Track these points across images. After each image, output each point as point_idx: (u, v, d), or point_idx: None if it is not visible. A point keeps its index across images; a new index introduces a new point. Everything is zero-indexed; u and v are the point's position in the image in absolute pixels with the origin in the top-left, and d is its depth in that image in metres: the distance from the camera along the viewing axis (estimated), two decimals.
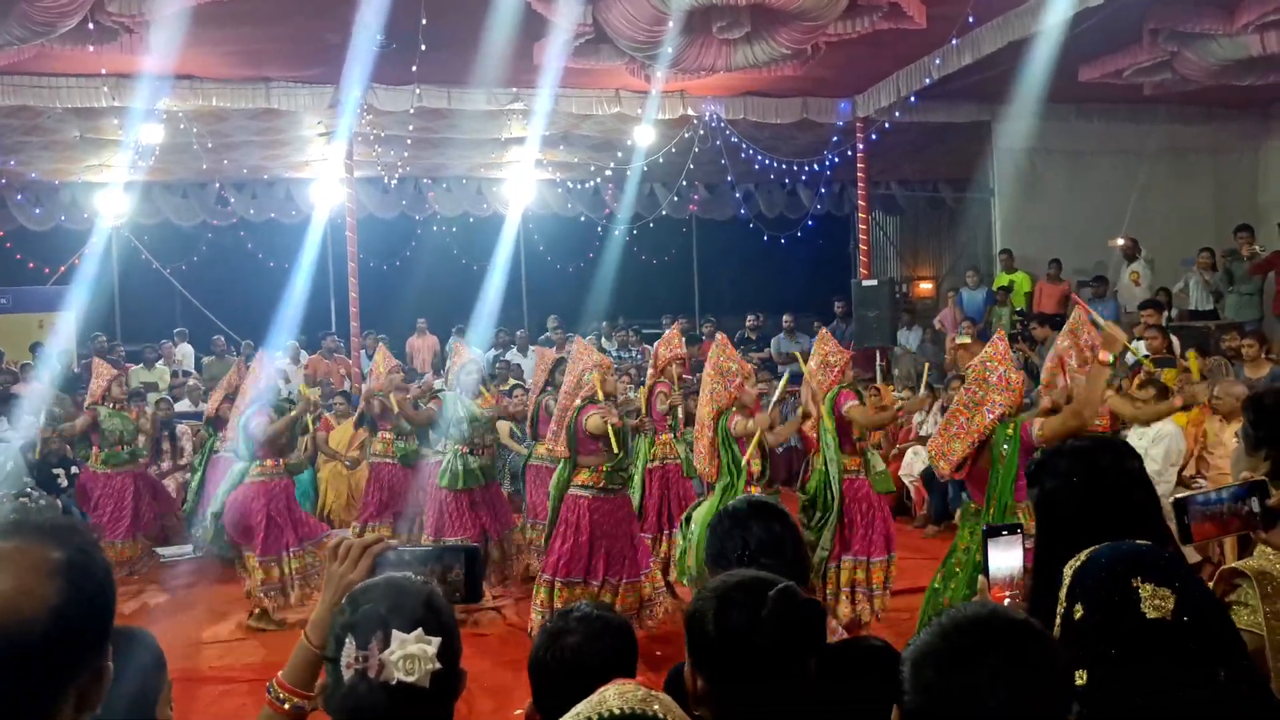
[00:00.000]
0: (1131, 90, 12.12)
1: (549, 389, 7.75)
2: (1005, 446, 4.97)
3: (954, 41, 10.18)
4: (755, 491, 5.86)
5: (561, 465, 6.42)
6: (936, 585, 5.21)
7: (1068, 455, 2.12)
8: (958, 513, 6.81)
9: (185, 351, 14.14)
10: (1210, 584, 2.09)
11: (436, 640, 1.52)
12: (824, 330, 7.17)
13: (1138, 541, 1.60)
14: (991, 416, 5.02)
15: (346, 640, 1.53)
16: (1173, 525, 1.93)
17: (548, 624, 2.29)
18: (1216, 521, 1.88)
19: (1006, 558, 2.20)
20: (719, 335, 7.36)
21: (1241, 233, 11.31)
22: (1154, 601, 1.44)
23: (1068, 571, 1.58)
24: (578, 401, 6.31)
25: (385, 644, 1.50)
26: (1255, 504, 1.87)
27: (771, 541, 2.24)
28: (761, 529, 2.27)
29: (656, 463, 7.70)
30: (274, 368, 13.46)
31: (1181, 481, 7.67)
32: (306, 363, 13.99)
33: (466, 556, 1.72)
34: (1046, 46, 9.95)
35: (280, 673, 1.75)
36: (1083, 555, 1.58)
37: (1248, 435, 2.23)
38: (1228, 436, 7.10)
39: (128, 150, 12.70)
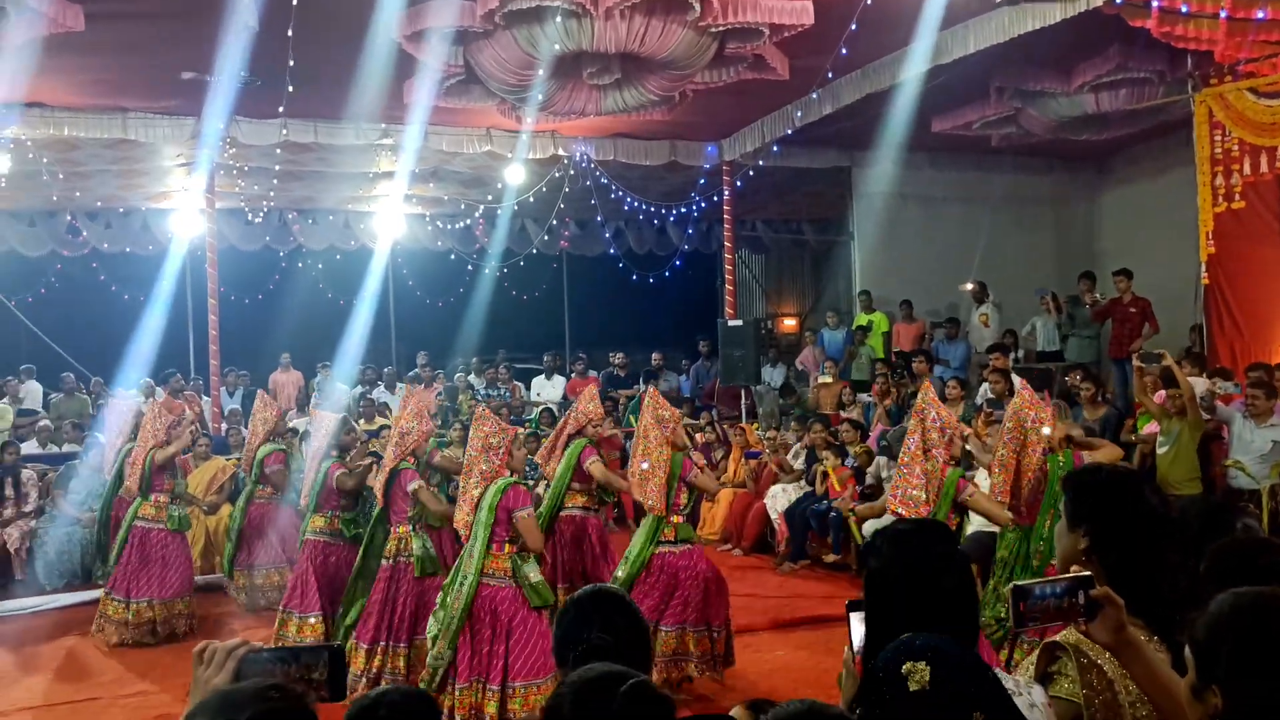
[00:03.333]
0: (980, 141, 12.76)
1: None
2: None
3: (815, 94, 10.56)
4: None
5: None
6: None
7: (888, 538, 2.19)
8: None
9: (31, 389, 13.43)
10: (1035, 654, 2.25)
11: None
12: (652, 390, 7.08)
13: (930, 636, 1.71)
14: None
15: None
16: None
17: (359, 699, 2.30)
18: (1048, 612, 2.01)
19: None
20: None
21: (1084, 280, 11.93)
22: (915, 677, 1.60)
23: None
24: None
25: None
26: (1082, 597, 2.02)
27: (613, 632, 2.31)
28: (603, 621, 2.34)
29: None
30: (127, 406, 12.98)
31: None
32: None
33: (330, 656, 1.74)
34: (902, 99, 10.44)
35: None
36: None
37: (1068, 512, 2.38)
38: None
39: None
